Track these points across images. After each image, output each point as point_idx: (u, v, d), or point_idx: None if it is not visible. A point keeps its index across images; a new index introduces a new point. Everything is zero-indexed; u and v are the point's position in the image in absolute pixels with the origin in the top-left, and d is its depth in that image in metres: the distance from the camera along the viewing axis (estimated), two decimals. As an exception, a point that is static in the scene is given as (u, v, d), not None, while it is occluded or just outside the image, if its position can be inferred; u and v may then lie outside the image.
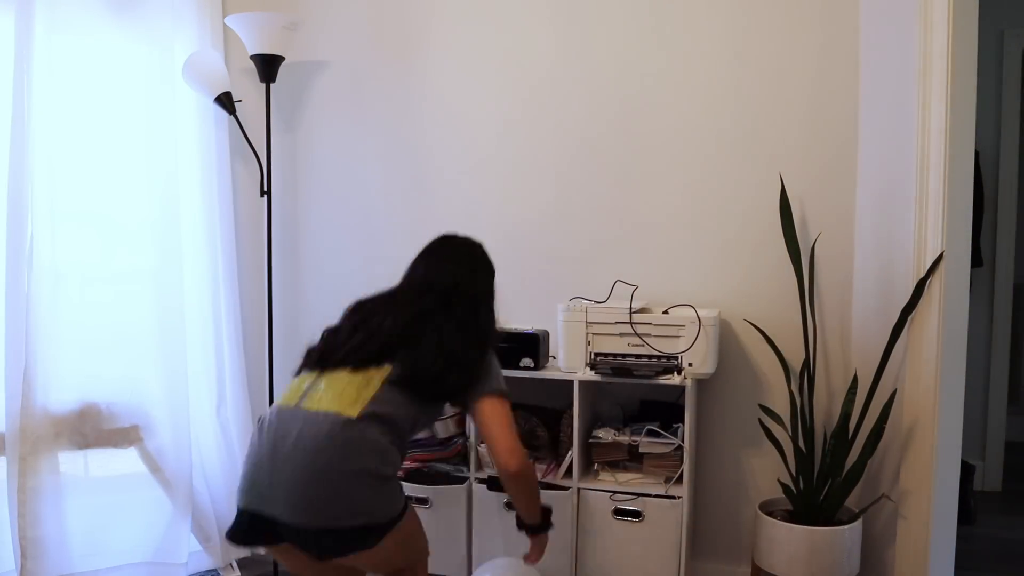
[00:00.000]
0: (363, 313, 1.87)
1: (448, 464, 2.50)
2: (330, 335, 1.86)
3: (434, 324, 1.79)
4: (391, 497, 1.67)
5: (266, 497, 1.62)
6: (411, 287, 1.93)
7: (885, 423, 2.11)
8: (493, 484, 2.37)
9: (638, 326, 2.31)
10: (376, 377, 1.71)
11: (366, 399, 1.66)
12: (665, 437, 2.36)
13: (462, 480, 2.48)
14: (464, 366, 1.77)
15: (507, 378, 2.60)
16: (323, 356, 1.80)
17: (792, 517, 2.26)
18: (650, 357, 2.31)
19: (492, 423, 1.75)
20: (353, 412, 1.63)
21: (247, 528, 1.68)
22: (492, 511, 2.44)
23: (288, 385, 1.81)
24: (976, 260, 3.48)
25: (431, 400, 1.79)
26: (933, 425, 2.02)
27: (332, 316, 2.94)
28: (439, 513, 2.48)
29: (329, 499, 1.58)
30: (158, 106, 2.67)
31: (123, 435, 2.58)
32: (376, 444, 1.64)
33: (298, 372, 1.84)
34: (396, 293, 1.93)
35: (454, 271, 1.93)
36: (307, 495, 1.58)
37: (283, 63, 2.78)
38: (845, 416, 2.17)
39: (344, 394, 1.67)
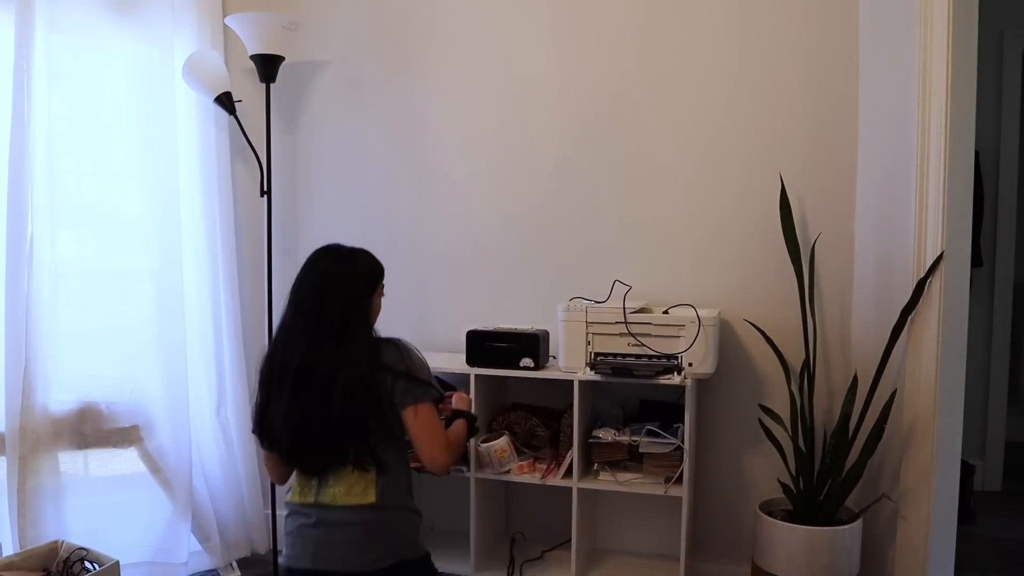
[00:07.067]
0: (285, 383, 1.83)
1: (448, 464, 2.50)
2: (266, 415, 1.86)
3: (336, 363, 1.80)
4: (415, 530, 1.88)
5: (315, 558, 1.80)
6: (295, 314, 1.89)
7: (885, 423, 2.11)
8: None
9: (636, 326, 2.31)
10: (367, 470, 1.82)
11: (371, 482, 1.81)
12: (665, 437, 2.36)
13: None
14: (371, 392, 1.80)
15: (507, 378, 2.62)
16: (306, 458, 1.85)
17: (792, 517, 2.26)
18: (650, 357, 2.31)
19: (415, 434, 1.83)
20: (370, 498, 1.80)
21: None
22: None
23: (297, 479, 1.89)
24: (976, 260, 3.47)
25: (394, 436, 1.86)
26: (933, 425, 2.02)
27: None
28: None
29: (372, 544, 1.80)
30: (158, 106, 2.66)
31: (123, 435, 2.58)
32: (396, 501, 1.85)
33: (267, 446, 1.90)
34: (289, 328, 1.88)
35: (322, 299, 1.86)
36: (354, 545, 1.79)
37: (283, 63, 2.78)
38: (845, 416, 2.17)
39: (353, 487, 1.81)
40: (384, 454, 1.82)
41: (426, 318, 2.86)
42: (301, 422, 1.80)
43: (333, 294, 1.86)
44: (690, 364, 2.28)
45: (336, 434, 1.80)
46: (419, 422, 1.81)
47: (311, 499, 1.84)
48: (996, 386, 3.66)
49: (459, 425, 2.02)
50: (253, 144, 2.83)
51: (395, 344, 1.87)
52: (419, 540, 1.89)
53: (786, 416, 2.33)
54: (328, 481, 1.83)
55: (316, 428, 1.79)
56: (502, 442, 2.46)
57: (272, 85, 2.77)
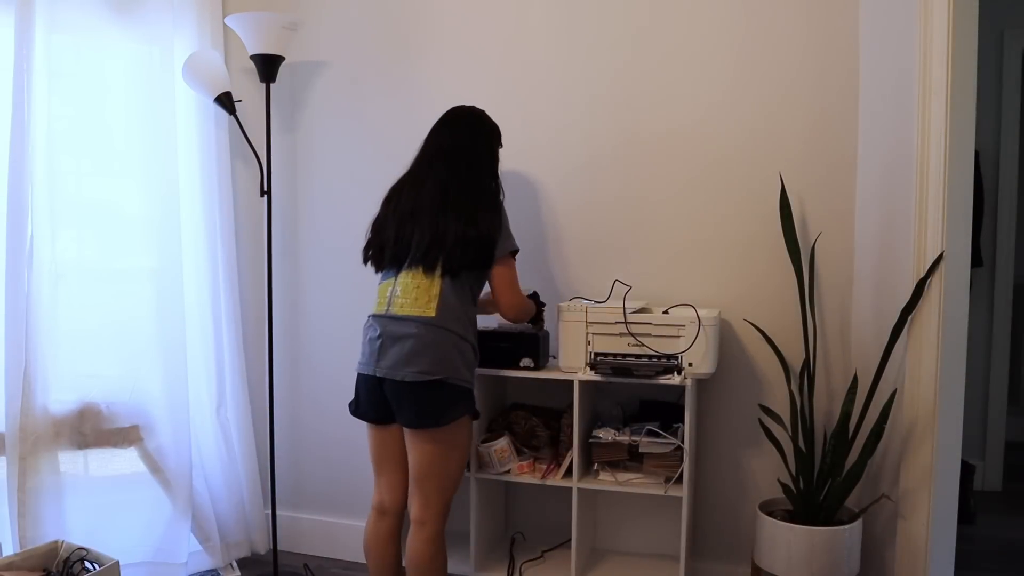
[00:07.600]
0: (400, 205, 2.21)
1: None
2: (380, 232, 2.23)
3: (446, 193, 2.15)
4: (465, 363, 2.13)
5: (376, 366, 2.11)
6: (422, 159, 2.27)
7: (885, 423, 2.11)
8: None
9: (636, 326, 2.31)
10: (435, 276, 2.11)
11: (435, 297, 2.09)
12: (665, 437, 2.36)
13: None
14: (477, 222, 2.13)
15: (507, 378, 2.62)
16: (391, 259, 2.18)
17: (792, 517, 2.26)
18: (650, 357, 2.31)
19: (497, 287, 2.20)
20: (430, 312, 2.08)
21: (363, 400, 2.18)
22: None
23: (377, 292, 2.20)
24: (976, 260, 3.48)
25: (472, 268, 2.15)
26: (933, 425, 2.02)
27: (332, 316, 2.97)
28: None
29: (420, 357, 2.06)
30: (158, 106, 2.67)
31: (123, 435, 2.58)
32: (452, 327, 2.10)
33: (377, 270, 2.25)
34: (414, 170, 2.27)
35: (454, 137, 2.26)
36: (405, 357, 2.07)
37: (283, 63, 2.78)
38: (845, 416, 2.17)
39: (418, 299, 2.10)
40: (461, 272, 2.11)
41: (426, 318, 2.85)
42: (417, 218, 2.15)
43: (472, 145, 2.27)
44: (690, 364, 2.28)
45: (439, 232, 2.11)
46: (502, 278, 2.18)
47: (383, 310, 2.14)
48: (996, 386, 3.66)
49: (531, 302, 2.39)
50: (253, 144, 2.83)
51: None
52: (466, 372, 2.14)
53: (786, 416, 2.33)
54: (397, 292, 2.12)
55: (424, 223, 2.13)
56: (502, 442, 2.46)
57: (272, 85, 2.78)
